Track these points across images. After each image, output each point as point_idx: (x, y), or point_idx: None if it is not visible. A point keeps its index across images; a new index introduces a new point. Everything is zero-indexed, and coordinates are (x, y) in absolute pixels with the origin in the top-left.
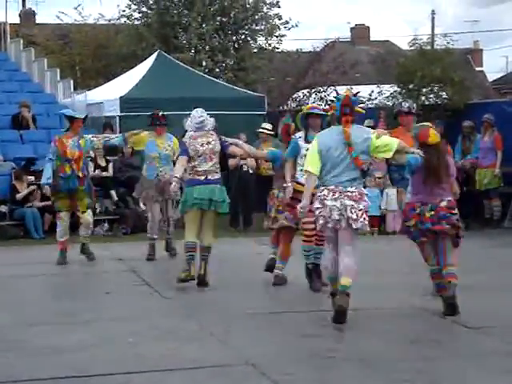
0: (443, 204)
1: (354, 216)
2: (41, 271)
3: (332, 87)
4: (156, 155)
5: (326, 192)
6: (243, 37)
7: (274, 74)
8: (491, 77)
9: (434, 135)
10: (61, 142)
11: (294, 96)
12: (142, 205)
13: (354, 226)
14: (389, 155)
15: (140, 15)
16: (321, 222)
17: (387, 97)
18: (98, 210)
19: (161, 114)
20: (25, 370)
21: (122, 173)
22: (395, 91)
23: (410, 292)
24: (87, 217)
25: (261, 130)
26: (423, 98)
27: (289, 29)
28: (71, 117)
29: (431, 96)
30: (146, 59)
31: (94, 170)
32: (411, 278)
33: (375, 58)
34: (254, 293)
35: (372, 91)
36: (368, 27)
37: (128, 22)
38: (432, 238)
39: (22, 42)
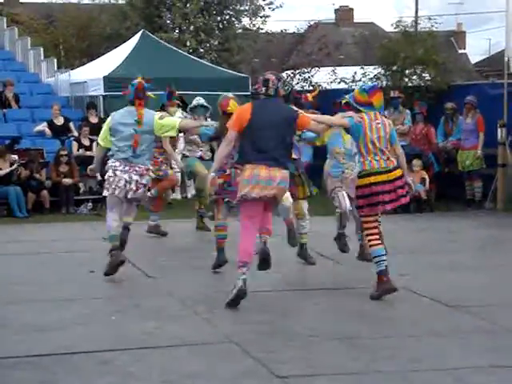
0: None
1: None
2: (24, 250)
3: (316, 68)
4: None
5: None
6: (227, 17)
7: (258, 55)
8: (474, 59)
9: (233, 105)
10: None
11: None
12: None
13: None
14: (173, 133)
15: None
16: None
17: (371, 78)
18: (81, 190)
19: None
20: (7, 347)
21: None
22: (379, 73)
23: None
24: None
25: None
26: (406, 79)
27: (273, 9)
28: None
29: (414, 77)
30: (129, 39)
31: (78, 150)
32: (390, 257)
33: (359, 40)
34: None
35: (355, 72)
36: (352, 9)
37: (112, 1)
38: None
39: (5, 20)
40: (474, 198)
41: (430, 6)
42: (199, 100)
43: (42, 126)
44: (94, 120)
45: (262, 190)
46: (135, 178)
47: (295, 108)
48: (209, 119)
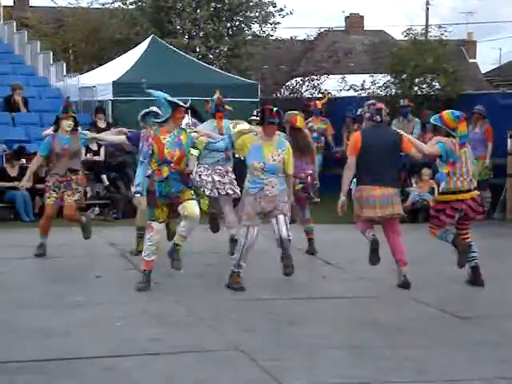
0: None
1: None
2: (30, 254)
3: (325, 76)
4: None
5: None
6: (237, 23)
7: (268, 62)
8: (484, 69)
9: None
10: (157, 139)
11: (287, 84)
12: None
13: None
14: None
15: (134, 0)
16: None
17: (380, 86)
18: (88, 195)
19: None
20: (12, 352)
21: (113, 157)
22: (388, 81)
23: (397, 281)
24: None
25: (253, 118)
26: (416, 88)
27: (283, 16)
28: (175, 103)
29: (424, 86)
30: (139, 44)
31: (86, 154)
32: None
33: (369, 48)
34: (243, 279)
35: (364, 81)
36: (362, 16)
37: (122, 6)
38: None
39: (15, 24)
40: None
41: (441, 14)
42: (152, 108)
43: (51, 130)
44: (102, 125)
45: (383, 210)
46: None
47: (397, 130)
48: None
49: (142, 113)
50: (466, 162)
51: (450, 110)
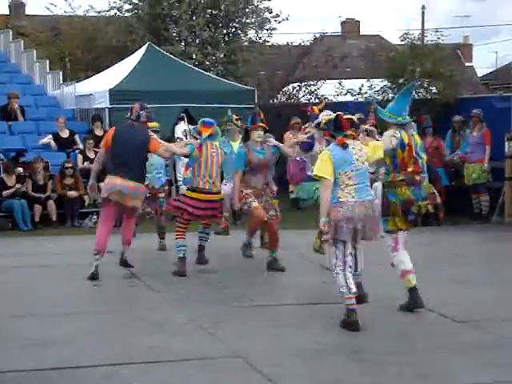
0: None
1: None
2: (28, 263)
3: (322, 81)
4: None
5: None
6: (234, 30)
7: (264, 68)
8: (481, 72)
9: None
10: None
11: (284, 89)
12: None
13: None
14: None
15: (130, 7)
16: None
17: (377, 91)
18: (86, 203)
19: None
20: (11, 361)
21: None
22: (385, 85)
23: (397, 285)
24: None
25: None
26: (413, 92)
27: (279, 22)
28: None
29: (421, 91)
30: (135, 51)
31: (83, 162)
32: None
33: (365, 52)
34: (243, 286)
35: (362, 85)
36: (358, 21)
37: (118, 13)
38: None
39: (11, 33)
40: (480, 212)
41: (437, 18)
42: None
43: (48, 139)
44: (99, 133)
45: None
46: None
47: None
48: None
49: None
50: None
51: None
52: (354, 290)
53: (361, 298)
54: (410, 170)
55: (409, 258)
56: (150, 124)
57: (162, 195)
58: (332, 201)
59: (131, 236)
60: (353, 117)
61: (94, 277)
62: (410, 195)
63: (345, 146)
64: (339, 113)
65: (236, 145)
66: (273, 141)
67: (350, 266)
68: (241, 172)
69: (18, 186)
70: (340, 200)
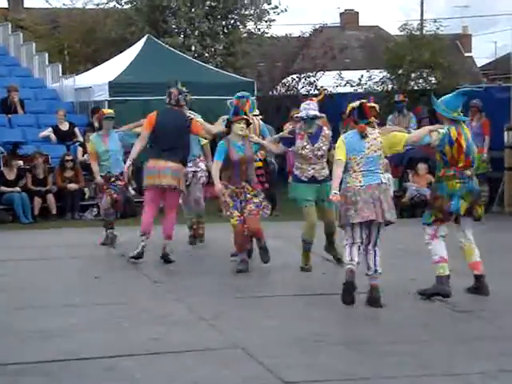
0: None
1: None
2: (29, 256)
3: (321, 72)
4: None
5: None
6: (232, 21)
7: (264, 59)
8: (480, 62)
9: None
10: None
11: (283, 81)
12: (131, 190)
13: None
14: None
15: None
16: None
17: (376, 82)
18: (86, 196)
19: None
20: (12, 353)
21: None
22: (384, 76)
23: (398, 276)
24: None
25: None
26: (412, 82)
27: (278, 14)
28: None
29: (420, 81)
30: (135, 43)
31: (83, 155)
32: (399, 261)
33: (364, 43)
34: (243, 277)
35: (362, 76)
36: (357, 12)
37: (117, 5)
38: None
39: (10, 26)
40: None
41: (436, 9)
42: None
43: (47, 132)
44: (98, 125)
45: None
46: None
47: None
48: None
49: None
50: None
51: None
52: (356, 259)
53: (374, 301)
54: (460, 165)
55: (445, 248)
56: (104, 111)
57: (120, 183)
58: (342, 185)
59: (172, 230)
60: (375, 105)
61: (139, 256)
62: (459, 189)
63: (363, 134)
64: (363, 100)
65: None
66: (255, 138)
67: (359, 244)
68: (220, 163)
69: (17, 188)
70: (348, 185)
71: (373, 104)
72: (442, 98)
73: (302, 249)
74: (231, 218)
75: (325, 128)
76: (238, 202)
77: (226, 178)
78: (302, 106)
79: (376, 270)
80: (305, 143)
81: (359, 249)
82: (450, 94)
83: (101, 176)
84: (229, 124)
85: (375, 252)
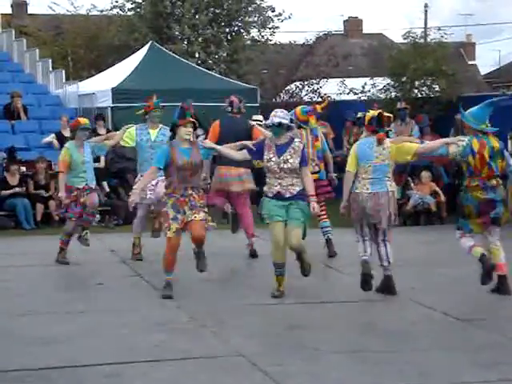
0: None
1: None
2: (31, 262)
3: (325, 79)
4: None
5: None
6: (236, 28)
7: (267, 66)
8: (484, 70)
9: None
10: None
11: (286, 88)
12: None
13: None
14: None
15: (133, 6)
16: None
17: (380, 89)
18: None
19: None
20: (13, 360)
21: (114, 164)
22: (388, 84)
23: (398, 284)
24: None
25: (252, 123)
26: (416, 90)
27: (282, 21)
28: None
29: (424, 89)
30: (138, 50)
31: None
32: (400, 269)
33: (368, 51)
34: (245, 285)
35: (365, 83)
36: (361, 20)
37: (121, 12)
38: None
39: (13, 32)
40: None
41: (440, 17)
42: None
43: (51, 138)
44: (102, 131)
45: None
46: None
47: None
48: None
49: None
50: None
51: (300, 106)
52: (368, 250)
53: (389, 289)
54: (483, 175)
55: (473, 239)
56: (81, 120)
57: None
58: (352, 190)
59: (252, 227)
60: (390, 115)
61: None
62: (483, 198)
63: (381, 142)
64: (380, 110)
65: (154, 133)
66: (207, 142)
67: (369, 239)
68: (156, 169)
69: (17, 189)
70: (356, 191)
71: (388, 114)
72: (470, 110)
73: (274, 272)
74: (168, 231)
75: (296, 140)
76: (181, 214)
77: (169, 186)
78: (272, 113)
79: (389, 262)
80: (271, 155)
81: (370, 243)
82: (478, 106)
83: (77, 188)
84: (175, 127)
85: (385, 244)
